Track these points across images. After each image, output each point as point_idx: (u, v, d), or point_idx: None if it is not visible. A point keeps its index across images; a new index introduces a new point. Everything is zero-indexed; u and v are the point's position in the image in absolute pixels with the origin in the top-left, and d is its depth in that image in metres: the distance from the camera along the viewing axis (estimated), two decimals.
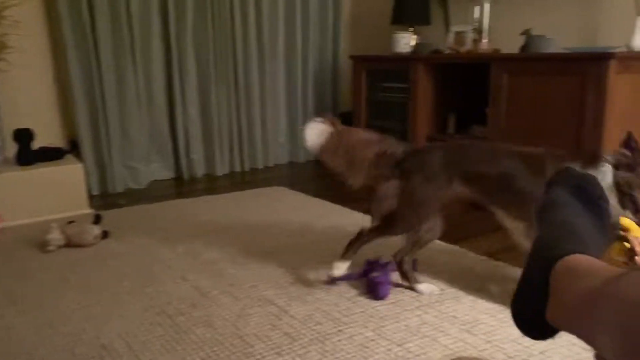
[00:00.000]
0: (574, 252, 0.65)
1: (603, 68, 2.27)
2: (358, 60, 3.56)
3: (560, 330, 0.63)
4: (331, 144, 1.89)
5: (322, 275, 1.99)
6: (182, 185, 3.51)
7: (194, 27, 3.54)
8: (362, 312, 1.71)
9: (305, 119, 4.16)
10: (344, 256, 1.87)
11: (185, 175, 3.65)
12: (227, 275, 2.01)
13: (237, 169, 3.87)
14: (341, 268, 1.88)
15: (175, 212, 2.86)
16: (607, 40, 2.78)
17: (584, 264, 0.63)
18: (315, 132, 1.95)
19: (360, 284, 1.91)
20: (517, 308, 0.72)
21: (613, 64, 2.26)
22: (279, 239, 2.40)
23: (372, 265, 1.96)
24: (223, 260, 2.17)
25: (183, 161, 3.64)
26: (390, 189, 1.77)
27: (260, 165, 3.96)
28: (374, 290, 1.81)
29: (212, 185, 3.51)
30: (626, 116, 2.42)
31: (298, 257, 2.18)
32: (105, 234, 2.44)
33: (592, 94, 2.32)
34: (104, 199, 3.18)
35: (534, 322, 0.66)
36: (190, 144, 3.65)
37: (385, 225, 1.82)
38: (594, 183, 0.83)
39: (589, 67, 2.32)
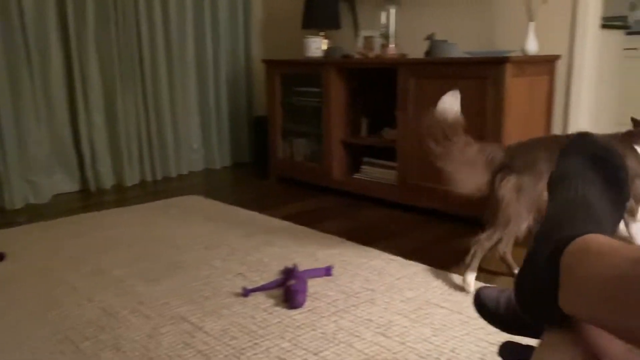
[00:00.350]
0: (587, 232, 0.60)
1: (500, 71, 2.40)
2: (271, 64, 3.53)
3: (573, 317, 0.58)
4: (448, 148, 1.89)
5: (238, 287, 1.95)
6: (88, 198, 3.32)
7: (96, 31, 3.36)
8: (278, 322, 1.69)
9: (219, 124, 4.09)
10: (469, 268, 1.90)
11: (92, 188, 3.46)
12: (136, 293, 1.92)
13: (149, 178, 3.72)
14: (472, 280, 1.89)
15: (80, 227, 2.70)
16: (505, 43, 2.94)
17: (603, 245, 0.56)
18: (452, 100, 1.91)
19: (277, 293, 1.89)
20: (522, 295, 0.65)
21: (509, 68, 2.39)
22: (193, 251, 2.33)
23: (289, 273, 1.95)
24: (132, 277, 2.07)
25: (89, 172, 3.45)
26: (504, 190, 1.83)
27: (173, 174, 3.84)
28: (290, 299, 1.80)
29: (121, 196, 3.34)
30: (523, 115, 2.57)
31: (213, 270, 2.13)
32: (1, 257, 2.25)
33: (492, 96, 2.45)
34: (1, 217, 2.94)
35: (544, 309, 0.61)
36: (96, 153, 3.46)
37: (504, 226, 1.86)
38: (612, 151, 0.74)
39: (488, 70, 2.44)
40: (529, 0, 2.65)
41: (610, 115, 3.33)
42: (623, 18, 5.06)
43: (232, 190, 3.50)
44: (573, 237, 0.59)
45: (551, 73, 2.72)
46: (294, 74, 3.47)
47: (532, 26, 2.64)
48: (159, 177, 3.76)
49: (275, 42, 4.32)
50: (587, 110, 2.79)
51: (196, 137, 4.00)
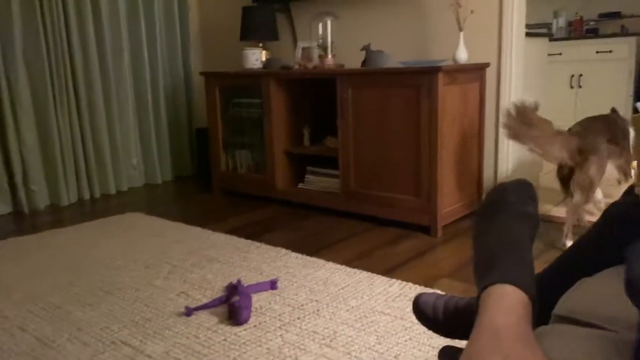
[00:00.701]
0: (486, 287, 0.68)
1: (433, 80, 2.48)
2: (210, 77, 3.50)
3: None
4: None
5: (181, 306, 1.91)
6: (21, 221, 3.17)
7: (24, 45, 3.23)
8: (223, 340, 1.67)
9: (159, 138, 4.01)
10: (567, 236, 2.40)
11: (25, 209, 3.30)
12: (73, 319, 1.85)
13: (86, 196, 3.59)
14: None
15: (11, 252, 2.57)
16: (437, 53, 3.04)
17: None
18: (525, 96, 2.61)
19: (221, 310, 1.87)
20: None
21: (441, 77, 2.48)
22: (133, 271, 2.27)
23: (232, 289, 1.93)
24: (69, 302, 1.99)
25: (21, 193, 3.29)
26: (592, 170, 2.26)
27: (112, 191, 3.72)
28: (235, 316, 1.78)
29: (57, 217, 3.21)
30: (457, 120, 2.66)
31: (154, 290, 2.08)
32: None
33: (426, 104, 2.52)
34: None
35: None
36: (28, 173, 3.31)
37: (587, 195, 2.31)
38: (505, 189, 0.85)
39: (422, 79, 2.52)
40: (458, 11, 2.75)
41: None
42: (547, 25, 5.34)
43: (174, 205, 3.44)
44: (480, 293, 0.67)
45: (481, 80, 2.84)
46: (234, 86, 3.45)
47: (462, 36, 2.74)
48: (97, 194, 3.63)
49: (214, 54, 4.28)
50: None
51: (135, 152, 3.90)
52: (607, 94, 4.70)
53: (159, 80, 3.95)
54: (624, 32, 4.81)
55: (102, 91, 3.62)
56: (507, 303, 0.62)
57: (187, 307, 1.84)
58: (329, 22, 3.11)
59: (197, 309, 1.86)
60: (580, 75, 4.81)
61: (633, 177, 0.90)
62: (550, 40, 4.80)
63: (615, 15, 5.01)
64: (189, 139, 4.22)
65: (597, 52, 4.70)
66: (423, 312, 1.31)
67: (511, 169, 2.94)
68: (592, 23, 5.12)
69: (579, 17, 5.15)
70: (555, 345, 0.61)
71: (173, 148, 4.14)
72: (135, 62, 3.84)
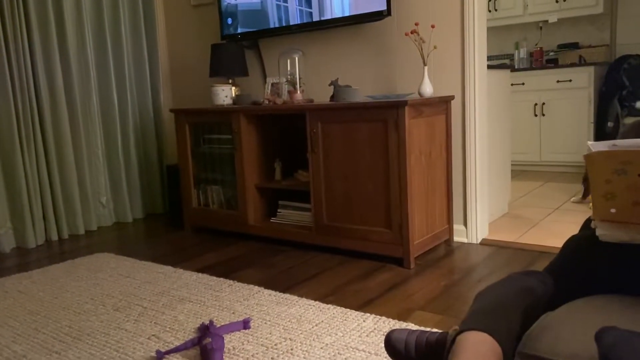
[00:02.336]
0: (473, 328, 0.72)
1: (400, 114, 2.53)
2: (179, 114, 3.50)
3: None
4: None
5: (152, 350, 1.86)
6: None
7: None
8: None
9: (129, 176, 3.97)
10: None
11: None
12: None
13: (54, 237, 3.51)
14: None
15: None
16: (403, 87, 3.11)
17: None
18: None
19: (193, 353, 1.83)
20: None
21: (407, 110, 2.53)
22: (102, 315, 2.21)
23: (204, 331, 1.89)
24: (34, 350, 1.92)
25: None
26: None
27: (81, 231, 3.65)
28: (207, 359, 1.74)
29: (22, 260, 3.12)
30: (424, 152, 2.71)
31: (123, 333, 2.02)
32: None
33: (394, 137, 2.57)
34: None
35: None
36: None
37: None
38: (521, 272, 0.96)
39: (389, 113, 2.57)
40: (422, 47, 2.84)
41: (504, 146, 3.59)
42: (510, 56, 5.53)
43: (145, 244, 3.38)
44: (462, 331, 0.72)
45: (447, 112, 2.91)
46: (204, 122, 3.46)
47: (426, 70, 2.82)
48: (65, 235, 3.56)
49: (184, 91, 4.30)
50: (481, 143, 2.99)
51: (105, 191, 3.84)
52: (569, 121, 4.86)
53: (128, 118, 3.94)
54: (581, 62, 5.01)
55: (69, 130, 3.58)
56: (482, 349, 0.64)
57: (157, 351, 1.80)
58: (296, 58, 3.17)
59: (169, 352, 1.82)
60: (543, 103, 4.97)
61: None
62: (513, 70, 4.97)
63: (574, 45, 5.22)
64: (160, 176, 4.18)
65: (558, 81, 4.87)
66: (395, 349, 1.31)
67: (478, 199, 2.99)
68: (552, 53, 5.33)
69: (539, 48, 5.36)
70: None
71: (143, 185, 4.10)
72: (104, 102, 3.82)
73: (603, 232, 0.87)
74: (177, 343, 1.91)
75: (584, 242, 0.93)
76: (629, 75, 4.71)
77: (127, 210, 3.95)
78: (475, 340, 0.67)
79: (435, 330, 1.23)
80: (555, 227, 3.19)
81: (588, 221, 1.06)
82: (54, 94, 3.49)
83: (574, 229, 3.10)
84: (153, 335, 2.00)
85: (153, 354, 1.83)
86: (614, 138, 3.88)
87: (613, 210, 0.89)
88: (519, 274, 0.91)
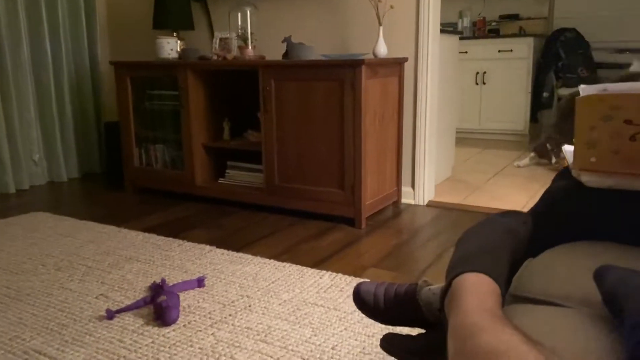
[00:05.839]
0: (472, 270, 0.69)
1: (357, 74, 2.50)
2: (120, 67, 3.30)
3: None
4: None
5: (101, 309, 1.78)
6: None
7: None
8: (151, 342, 1.58)
9: (64, 133, 3.73)
10: None
11: None
12: None
13: None
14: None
15: None
16: (356, 47, 3.08)
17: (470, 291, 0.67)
18: None
19: (146, 311, 1.77)
20: None
21: (364, 70, 2.51)
22: (43, 275, 2.08)
23: (157, 289, 1.83)
24: None
25: None
26: None
27: (11, 190, 3.41)
28: (162, 316, 1.69)
29: None
30: (378, 113, 2.71)
31: (69, 293, 1.92)
32: None
33: (350, 97, 2.54)
34: None
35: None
36: None
37: None
38: (500, 213, 0.92)
39: (345, 73, 2.53)
40: (378, 6, 2.80)
41: (451, 112, 3.66)
42: (453, 24, 5.60)
43: (83, 204, 3.21)
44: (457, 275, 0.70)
45: (400, 74, 2.91)
46: (148, 77, 3.28)
47: (381, 31, 2.79)
48: None
49: (124, 43, 4.05)
50: (432, 107, 3.03)
51: (37, 147, 3.60)
52: (508, 90, 5.02)
53: (62, 69, 3.67)
54: (522, 33, 5.16)
55: None
56: (483, 289, 0.64)
57: (108, 310, 1.72)
58: (248, 12, 3.05)
59: (120, 311, 1.74)
60: (485, 72, 5.09)
61: (571, 158, 0.94)
62: (460, 38, 5.04)
63: (514, 17, 5.36)
64: (98, 133, 3.96)
65: (499, 50, 5.00)
66: (364, 301, 1.31)
67: (427, 162, 3.05)
68: (494, 24, 5.45)
69: (482, 18, 5.46)
70: (529, 324, 0.62)
71: (79, 143, 3.87)
72: (35, 51, 3.54)
73: (588, 179, 0.89)
74: (127, 302, 1.83)
75: (570, 191, 0.95)
76: (565, 48, 4.90)
77: (61, 168, 3.72)
78: (475, 281, 0.67)
79: (393, 282, 1.24)
80: (496, 191, 3.32)
81: (561, 173, 1.08)
82: None
83: (515, 192, 3.25)
84: (101, 294, 1.91)
85: (103, 313, 1.75)
86: (550, 108, 4.01)
87: (593, 159, 0.92)
88: (499, 215, 0.91)
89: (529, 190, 3.32)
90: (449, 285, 0.71)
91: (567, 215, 0.95)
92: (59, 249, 2.37)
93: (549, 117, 4.30)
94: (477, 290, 0.65)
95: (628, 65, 4.87)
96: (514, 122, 5.02)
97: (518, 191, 3.29)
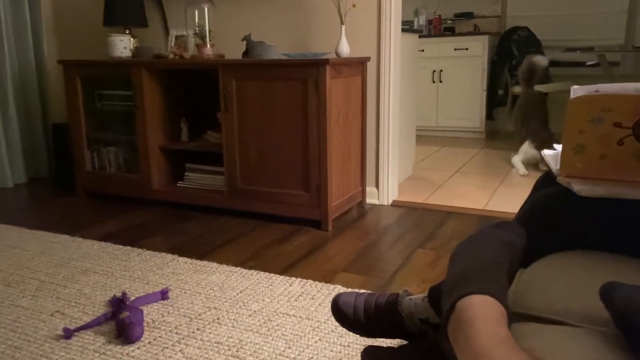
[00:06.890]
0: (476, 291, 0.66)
1: (321, 73, 2.45)
2: (69, 66, 3.12)
3: None
4: None
5: (58, 328, 1.66)
6: None
7: None
8: None
9: (8, 135, 3.51)
10: None
11: None
12: None
13: None
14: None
15: None
16: (318, 46, 3.02)
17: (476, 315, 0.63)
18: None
19: (107, 328, 1.66)
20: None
21: (329, 70, 2.46)
22: None
23: (118, 304, 1.73)
24: None
25: None
26: None
27: None
28: (125, 333, 1.59)
29: None
30: (342, 113, 2.67)
31: (21, 311, 1.79)
32: None
33: (313, 97, 2.49)
34: None
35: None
36: None
37: None
38: (493, 225, 0.90)
39: (309, 72, 2.47)
40: (340, 5, 2.75)
41: (411, 111, 3.67)
42: (409, 22, 5.63)
43: (31, 211, 3.02)
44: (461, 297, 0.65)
45: (363, 74, 2.88)
46: (99, 76, 3.12)
47: (343, 30, 2.75)
48: None
49: (73, 41, 3.85)
50: (394, 106, 3.01)
51: None
52: (464, 88, 5.08)
53: (5, 69, 3.45)
54: (477, 32, 5.24)
55: None
56: (492, 312, 0.60)
57: (65, 329, 1.61)
58: (206, 9, 2.94)
59: (79, 329, 1.63)
60: (441, 70, 5.14)
61: (552, 163, 0.92)
62: (420, 37, 5.07)
63: (469, 15, 5.44)
64: (45, 136, 3.75)
65: (455, 49, 5.06)
66: (344, 314, 1.26)
67: (390, 161, 3.03)
68: (449, 22, 5.51)
69: (437, 16, 5.51)
70: (541, 348, 0.59)
71: (25, 146, 3.65)
72: None
73: (580, 187, 0.87)
74: (86, 319, 1.72)
75: (554, 198, 0.93)
76: (518, 46, 5.01)
77: (6, 173, 3.50)
78: (482, 305, 0.63)
79: (372, 292, 1.20)
80: (458, 189, 3.34)
81: (543, 178, 1.06)
82: None
83: (476, 190, 3.27)
84: (56, 311, 1.79)
85: (60, 332, 1.63)
86: (505, 105, 4.01)
87: (579, 165, 0.90)
88: (492, 227, 0.88)
89: (489, 188, 3.36)
90: (452, 308, 0.67)
91: (554, 223, 0.93)
92: (7, 262, 2.21)
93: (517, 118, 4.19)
94: (486, 315, 0.61)
95: (581, 63, 5.03)
96: (470, 120, 5.09)
97: (479, 189, 3.33)
